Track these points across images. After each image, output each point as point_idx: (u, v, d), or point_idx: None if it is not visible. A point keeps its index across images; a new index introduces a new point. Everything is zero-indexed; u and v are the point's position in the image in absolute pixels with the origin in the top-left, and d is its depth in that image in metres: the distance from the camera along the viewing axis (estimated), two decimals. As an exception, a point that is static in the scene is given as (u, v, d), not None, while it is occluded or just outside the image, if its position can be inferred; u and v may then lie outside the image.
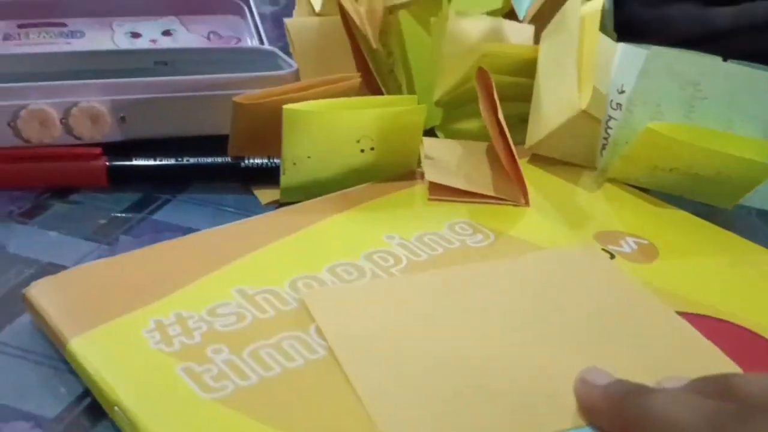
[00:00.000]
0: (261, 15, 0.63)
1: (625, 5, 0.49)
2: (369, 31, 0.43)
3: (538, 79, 0.40)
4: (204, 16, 0.54)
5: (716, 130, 0.36)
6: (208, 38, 0.53)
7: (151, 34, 0.52)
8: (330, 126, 0.37)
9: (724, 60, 0.46)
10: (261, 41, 0.52)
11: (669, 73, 0.35)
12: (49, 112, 0.38)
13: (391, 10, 0.45)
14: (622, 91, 0.37)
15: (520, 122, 0.42)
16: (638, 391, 0.24)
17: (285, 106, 0.36)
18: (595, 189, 0.38)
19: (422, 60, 0.45)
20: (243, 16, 0.55)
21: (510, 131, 0.39)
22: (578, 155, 0.40)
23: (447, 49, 0.43)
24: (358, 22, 0.43)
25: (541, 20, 0.43)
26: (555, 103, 0.38)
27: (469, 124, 0.45)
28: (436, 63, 0.43)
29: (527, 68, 0.41)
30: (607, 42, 0.39)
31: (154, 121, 0.40)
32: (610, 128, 0.38)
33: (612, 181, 0.39)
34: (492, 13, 0.45)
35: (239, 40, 0.53)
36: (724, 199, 0.38)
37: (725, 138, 0.36)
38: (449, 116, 0.45)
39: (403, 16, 0.45)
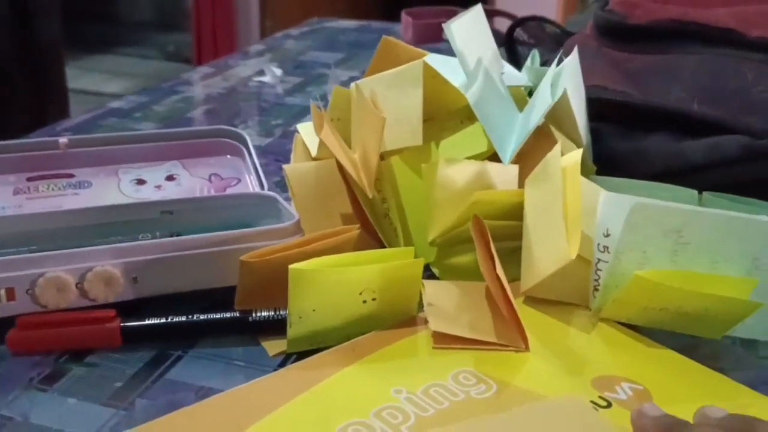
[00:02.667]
0: (257, 147, 0.66)
1: (603, 139, 0.52)
2: (364, 180, 0.45)
3: (526, 226, 0.42)
4: (205, 158, 0.57)
5: (700, 272, 0.38)
6: (210, 180, 0.55)
7: (155, 180, 0.54)
8: (333, 281, 0.39)
9: (700, 193, 0.49)
10: (260, 181, 0.54)
11: (652, 223, 0.38)
12: (66, 279, 0.40)
13: (383, 157, 0.48)
14: (608, 235, 0.39)
15: (512, 253, 0.44)
16: (684, 425, 0.31)
17: (291, 266, 0.38)
18: (589, 329, 0.40)
19: (416, 203, 0.48)
20: (242, 156, 0.57)
21: (504, 264, 0.41)
22: (571, 295, 0.42)
23: (438, 194, 0.45)
24: (353, 173, 0.45)
25: (523, 160, 0.46)
26: (546, 251, 0.40)
27: (462, 260, 0.47)
28: (428, 207, 0.46)
29: (514, 211, 0.44)
30: (590, 187, 0.42)
31: (164, 279, 0.42)
32: (600, 270, 0.40)
33: (605, 320, 0.41)
34: (478, 156, 0.48)
35: (239, 180, 0.56)
36: (712, 331, 0.40)
37: (709, 279, 0.38)
38: (443, 253, 0.47)
39: (396, 162, 0.48)
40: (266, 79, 0.84)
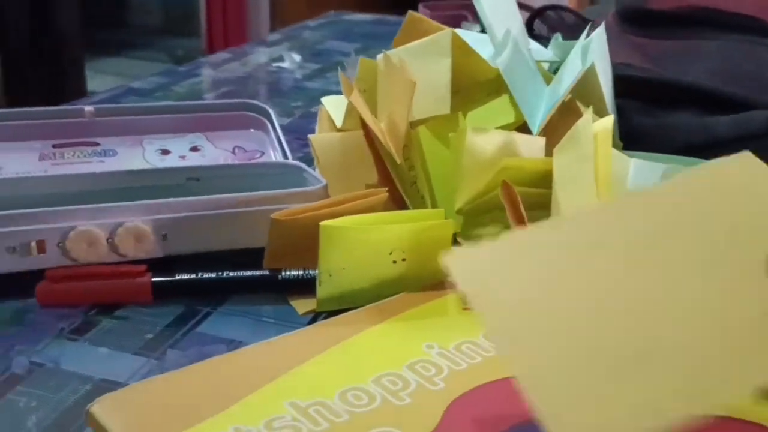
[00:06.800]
0: (277, 127, 0.67)
1: (627, 115, 0.52)
2: (392, 146, 0.46)
3: (555, 192, 0.42)
4: (229, 131, 0.57)
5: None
6: (234, 152, 0.56)
7: (180, 151, 0.55)
8: (364, 240, 0.39)
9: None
10: (284, 154, 0.55)
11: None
12: (97, 233, 0.40)
13: (411, 126, 0.48)
14: (638, 201, 0.39)
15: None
16: None
17: (322, 223, 0.38)
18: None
19: (442, 172, 0.48)
20: (266, 130, 0.57)
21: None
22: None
23: (466, 162, 0.45)
24: (382, 139, 0.45)
25: (549, 134, 0.46)
26: (576, 214, 0.40)
27: (489, 231, 0.47)
28: (455, 175, 0.46)
29: (542, 179, 0.44)
30: (619, 156, 0.42)
31: (193, 237, 0.42)
32: (629, 235, 0.40)
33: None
34: (505, 127, 0.48)
35: (263, 153, 0.56)
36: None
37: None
38: (469, 223, 0.47)
39: (422, 131, 0.48)
40: (285, 64, 0.84)
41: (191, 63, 0.86)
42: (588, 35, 0.49)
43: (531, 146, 0.46)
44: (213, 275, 0.41)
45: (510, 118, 0.48)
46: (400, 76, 0.46)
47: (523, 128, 0.48)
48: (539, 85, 0.48)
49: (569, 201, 0.41)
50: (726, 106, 0.52)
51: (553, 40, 0.57)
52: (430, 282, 0.41)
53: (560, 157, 0.43)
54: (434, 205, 0.47)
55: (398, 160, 0.45)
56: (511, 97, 0.48)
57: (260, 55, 0.88)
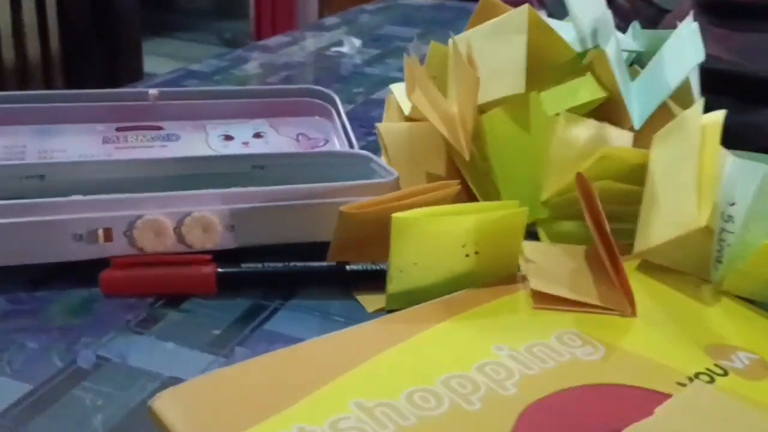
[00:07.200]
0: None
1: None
2: (462, 138, 0.44)
3: (649, 185, 0.40)
4: (293, 118, 0.56)
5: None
6: (297, 140, 0.54)
7: (243, 137, 0.53)
8: (436, 233, 0.37)
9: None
10: (350, 143, 0.53)
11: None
12: (164, 222, 0.39)
13: (483, 110, 0.45)
14: (733, 204, 0.37)
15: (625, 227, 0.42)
16: None
17: (394, 215, 0.37)
18: (706, 299, 0.38)
19: (510, 161, 0.45)
20: (330, 118, 0.56)
21: (615, 236, 0.39)
22: (688, 265, 0.39)
23: (556, 151, 0.43)
24: (448, 136, 0.43)
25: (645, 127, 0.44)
26: (670, 214, 0.38)
27: (572, 227, 0.44)
28: (544, 165, 0.43)
29: (637, 174, 0.41)
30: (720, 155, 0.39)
31: (262, 228, 0.41)
32: (723, 240, 0.38)
33: (723, 293, 0.38)
34: (585, 105, 0.45)
35: (327, 141, 0.55)
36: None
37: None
38: (555, 215, 0.45)
39: (487, 120, 0.45)
40: (344, 49, 0.83)
41: (247, 46, 0.84)
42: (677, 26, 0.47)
43: (621, 140, 0.44)
44: (279, 265, 0.39)
45: (597, 93, 0.45)
46: (465, 69, 0.44)
47: (595, 112, 0.45)
48: (625, 77, 0.46)
49: (666, 198, 0.39)
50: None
51: (631, 29, 0.55)
52: (500, 276, 0.39)
53: (660, 148, 0.40)
54: (509, 197, 0.45)
55: (466, 156, 0.43)
56: (595, 77, 0.46)
57: (317, 40, 0.87)
